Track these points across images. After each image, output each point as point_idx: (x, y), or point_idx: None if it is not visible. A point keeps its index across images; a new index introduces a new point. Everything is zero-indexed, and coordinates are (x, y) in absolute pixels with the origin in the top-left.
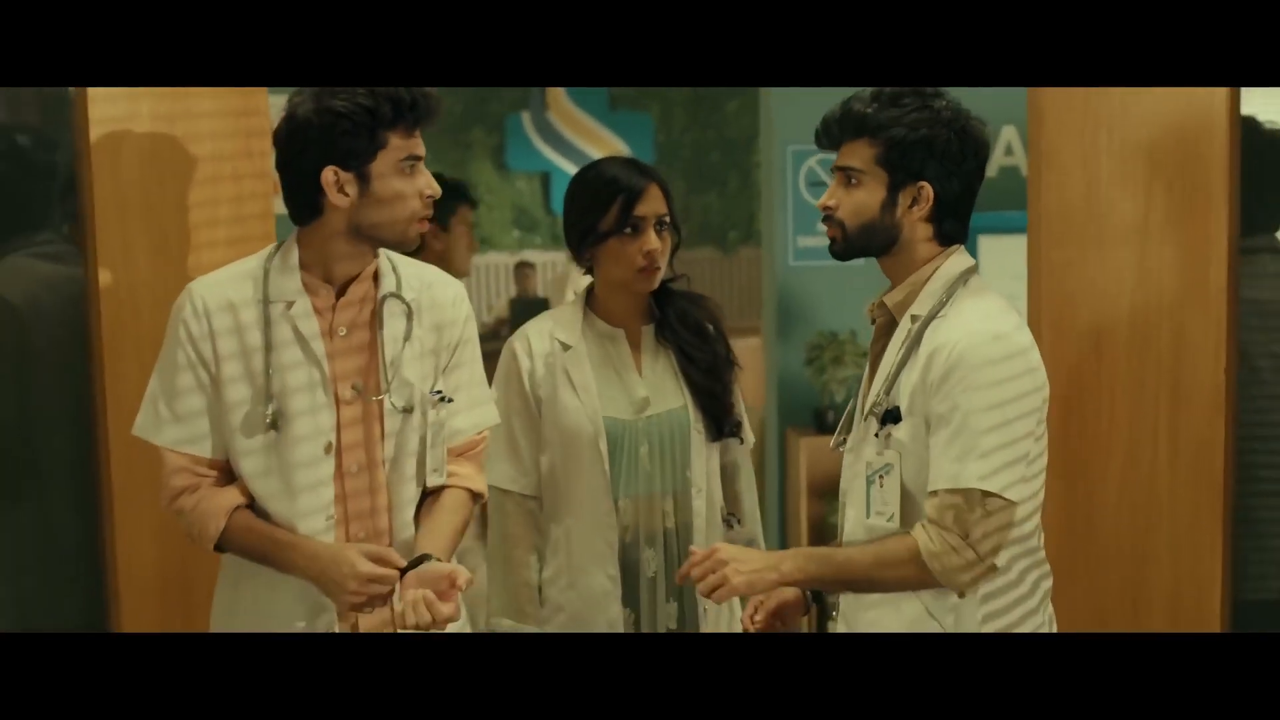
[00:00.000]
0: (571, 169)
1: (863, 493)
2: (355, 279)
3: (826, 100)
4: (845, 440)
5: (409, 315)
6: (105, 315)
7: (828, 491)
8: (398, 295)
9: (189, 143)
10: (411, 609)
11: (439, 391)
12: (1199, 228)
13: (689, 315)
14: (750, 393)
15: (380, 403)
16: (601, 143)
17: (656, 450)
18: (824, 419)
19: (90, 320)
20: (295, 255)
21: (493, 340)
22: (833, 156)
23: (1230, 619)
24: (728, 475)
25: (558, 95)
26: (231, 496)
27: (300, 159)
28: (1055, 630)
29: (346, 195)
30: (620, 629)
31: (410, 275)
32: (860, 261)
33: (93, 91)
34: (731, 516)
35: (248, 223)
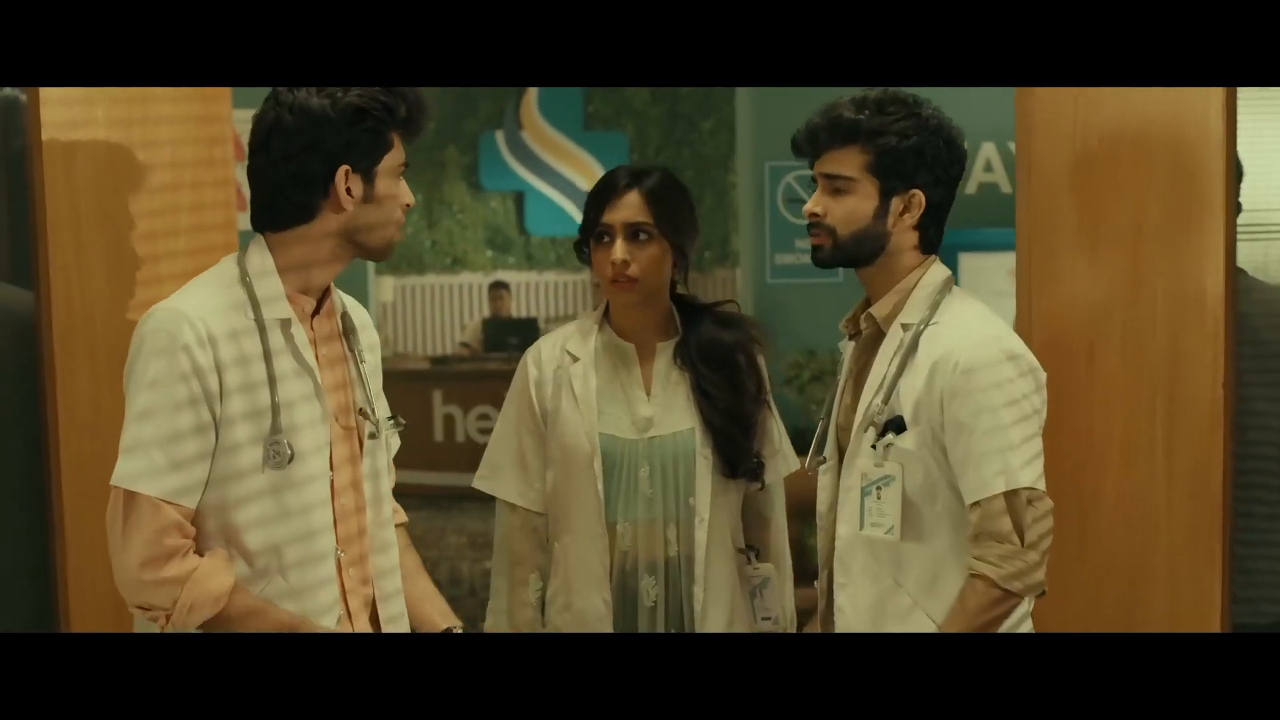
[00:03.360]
0: (545, 189)
1: (856, 506)
2: (325, 294)
3: (803, 114)
4: (823, 459)
5: (356, 334)
6: (57, 326)
7: (806, 512)
8: (345, 313)
9: (147, 149)
10: None
11: (393, 417)
12: (1194, 237)
13: (714, 342)
14: None
15: (360, 427)
16: (575, 162)
17: (658, 474)
18: (805, 438)
19: (41, 331)
20: (272, 263)
21: (463, 362)
22: (808, 170)
23: None
24: (750, 508)
25: (532, 114)
26: (228, 573)
27: (307, 155)
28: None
29: (351, 197)
30: None
31: (338, 293)
32: (840, 278)
33: (45, 94)
34: (750, 550)
35: (208, 233)
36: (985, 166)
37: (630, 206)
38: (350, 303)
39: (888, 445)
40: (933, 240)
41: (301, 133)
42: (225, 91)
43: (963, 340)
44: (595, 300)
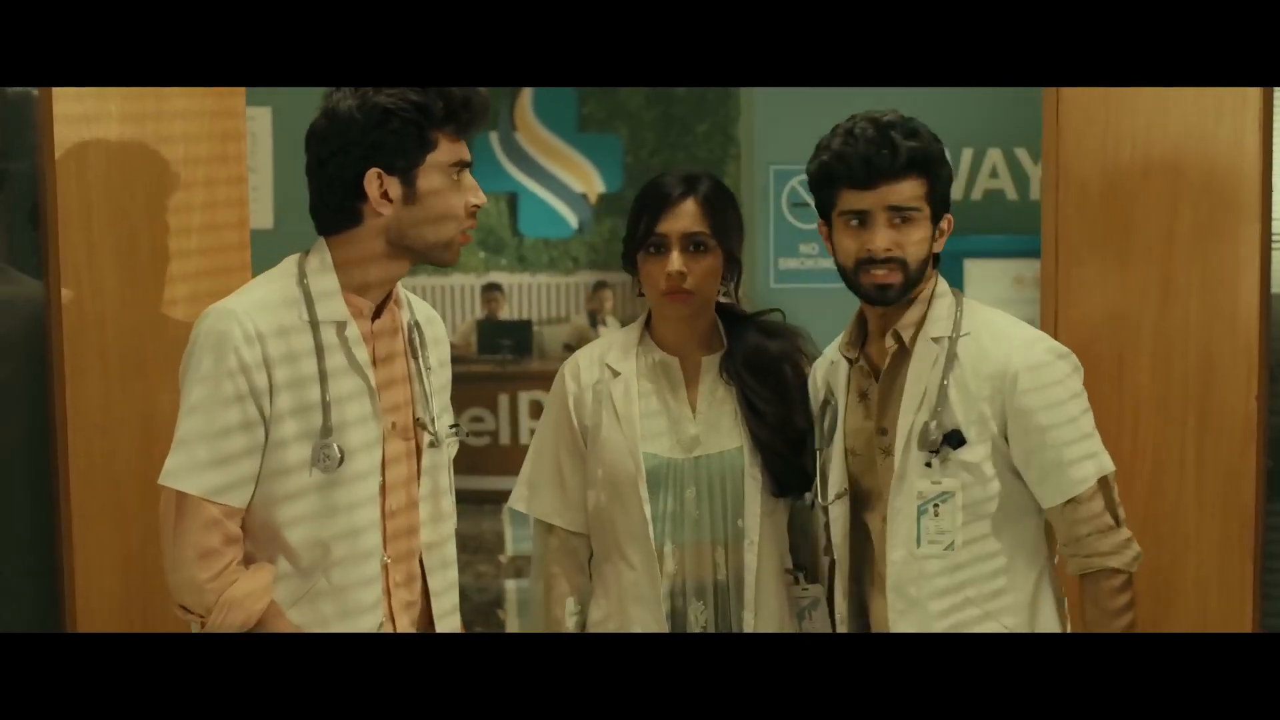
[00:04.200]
0: (539, 190)
1: (910, 527)
2: (388, 299)
3: (809, 120)
4: (843, 490)
5: (423, 342)
6: (68, 325)
7: None
8: (417, 323)
9: (160, 145)
10: None
11: (456, 425)
12: (1228, 246)
13: (763, 353)
14: None
15: (418, 438)
16: (570, 164)
17: (705, 495)
18: None
19: (51, 329)
20: (332, 271)
21: (457, 364)
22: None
23: None
24: (797, 525)
25: (526, 116)
26: (266, 593)
27: (339, 159)
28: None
29: (390, 201)
30: None
31: (412, 303)
32: (842, 282)
33: (58, 90)
34: (799, 571)
35: (221, 231)
36: (991, 173)
37: (687, 215)
38: (426, 315)
39: (945, 460)
40: (936, 259)
41: (332, 136)
42: (239, 88)
43: (1012, 347)
44: (636, 309)
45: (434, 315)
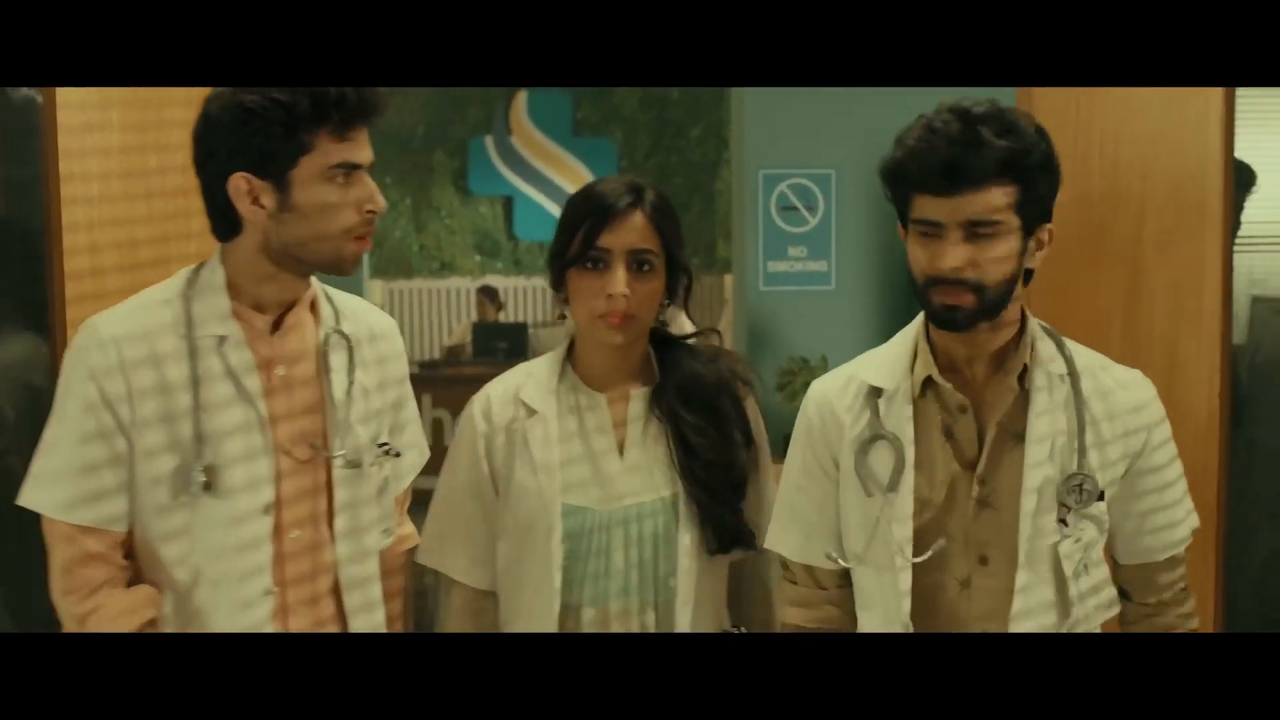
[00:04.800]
0: (534, 194)
1: (1045, 596)
2: (292, 307)
3: (797, 121)
4: (942, 542)
5: (350, 351)
6: (72, 330)
7: None
8: (339, 330)
9: (160, 153)
10: None
11: (386, 444)
12: (1192, 248)
13: (700, 384)
14: None
15: (323, 459)
16: (564, 168)
17: (634, 550)
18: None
19: (55, 335)
20: (221, 277)
21: (451, 365)
22: (801, 178)
23: None
24: (737, 581)
25: (521, 120)
26: (143, 606)
27: (208, 164)
28: None
29: (262, 207)
30: None
31: (345, 306)
32: (832, 286)
33: (61, 98)
34: (736, 630)
35: None
36: None
37: (634, 230)
38: (373, 330)
39: (1077, 515)
40: (1029, 280)
41: (201, 139)
42: None
43: (1140, 395)
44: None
45: (387, 330)
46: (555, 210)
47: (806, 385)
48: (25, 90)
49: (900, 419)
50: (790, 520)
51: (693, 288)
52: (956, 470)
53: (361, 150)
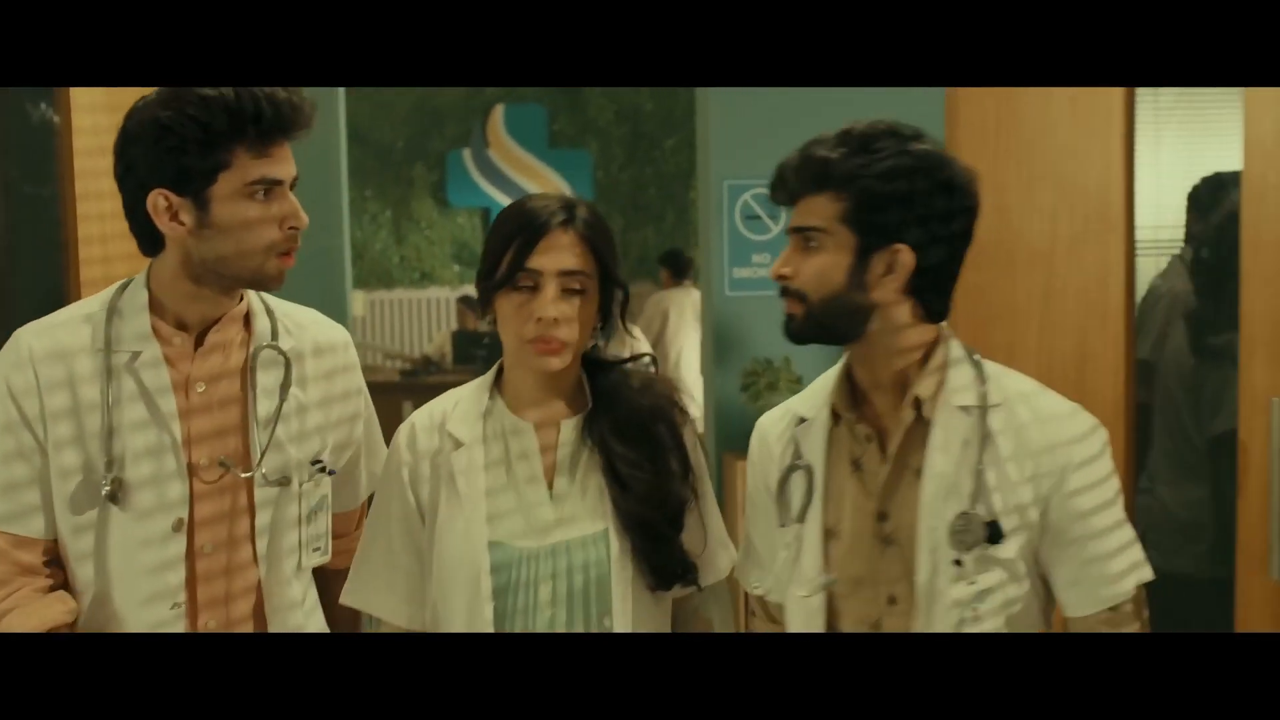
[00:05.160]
0: None
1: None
2: (215, 324)
3: (764, 135)
4: (832, 579)
5: (287, 366)
6: None
7: None
8: (273, 345)
9: None
10: None
11: (320, 462)
12: (1099, 251)
13: (633, 412)
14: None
15: (250, 476)
16: (541, 179)
17: (564, 590)
18: None
19: None
20: (144, 295)
21: (431, 373)
22: (764, 189)
23: None
24: (683, 615)
25: (498, 132)
26: (54, 612)
27: (128, 178)
28: None
29: (181, 224)
30: None
31: (287, 319)
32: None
33: (75, 102)
34: None
35: None
36: None
37: (567, 250)
38: (318, 344)
39: (979, 557)
40: (936, 310)
41: (119, 154)
42: None
43: (1062, 431)
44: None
45: (336, 343)
46: None
47: (770, 386)
48: (42, 111)
49: (815, 448)
50: (745, 553)
51: (621, 324)
52: (862, 503)
53: (282, 166)
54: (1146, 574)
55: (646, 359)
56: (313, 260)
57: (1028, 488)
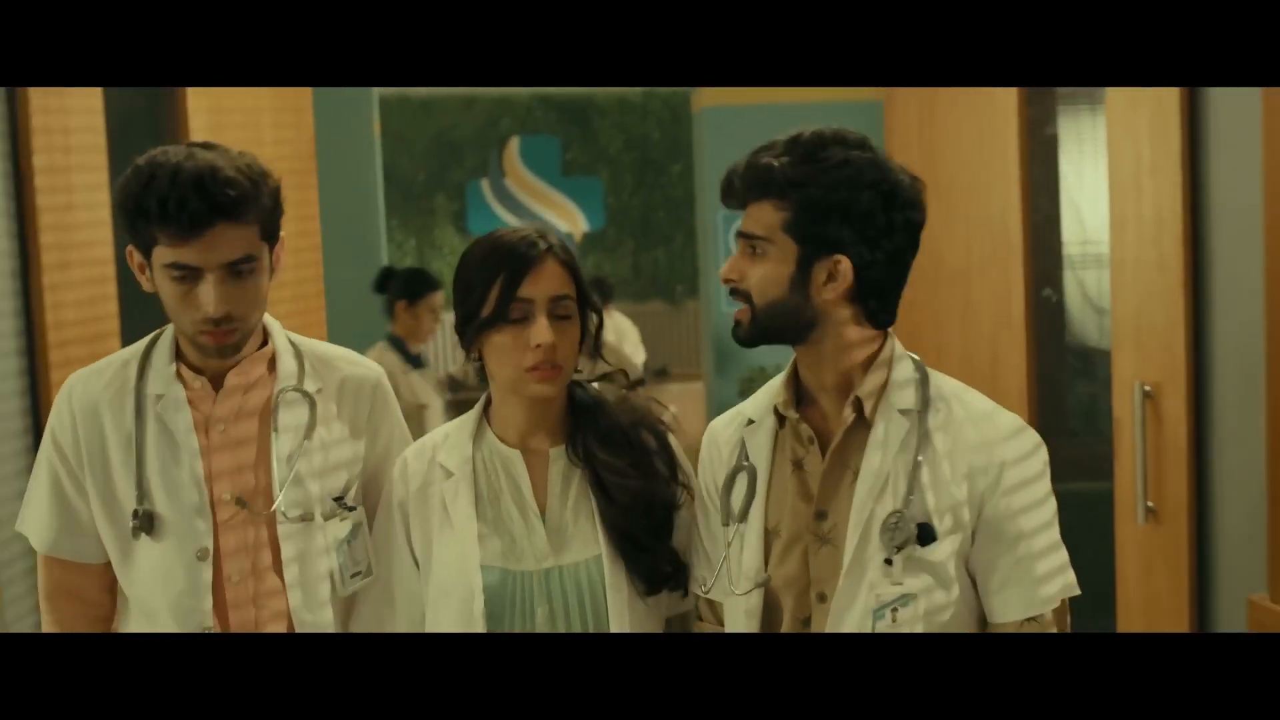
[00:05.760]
0: None
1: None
2: (232, 368)
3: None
4: (766, 578)
5: (312, 407)
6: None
7: None
8: (298, 388)
9: None
10: None
11: (341, 498)
12: (1003, 270)
13: (615, 422)
14: (694, 431)
15: (270, 512)
16: (556, 206)
17: (560, 613)
18: None
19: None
20: (169, 340)
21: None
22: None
23: None
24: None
25: (514, 162)
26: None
27: (119, 227)
28: None
29: (150, 281)
30: None
31: (317, 361)
32: None
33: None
34: None
35: (300, 284)
36: None
37: (553, 277)
38: (329, 361)
39: (908, 558)
40: (880, 316)
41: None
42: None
43: (996, 431)
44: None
45: (364, 379)
46: None
47: None
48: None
49: (759, 449)
50: (696, 556)
51: (599, 346)
52: (802, 503)
53: (196, 254)
54: (1072, 587)
55: (619, 376)
56: (357, 286)
57: (963, 485)
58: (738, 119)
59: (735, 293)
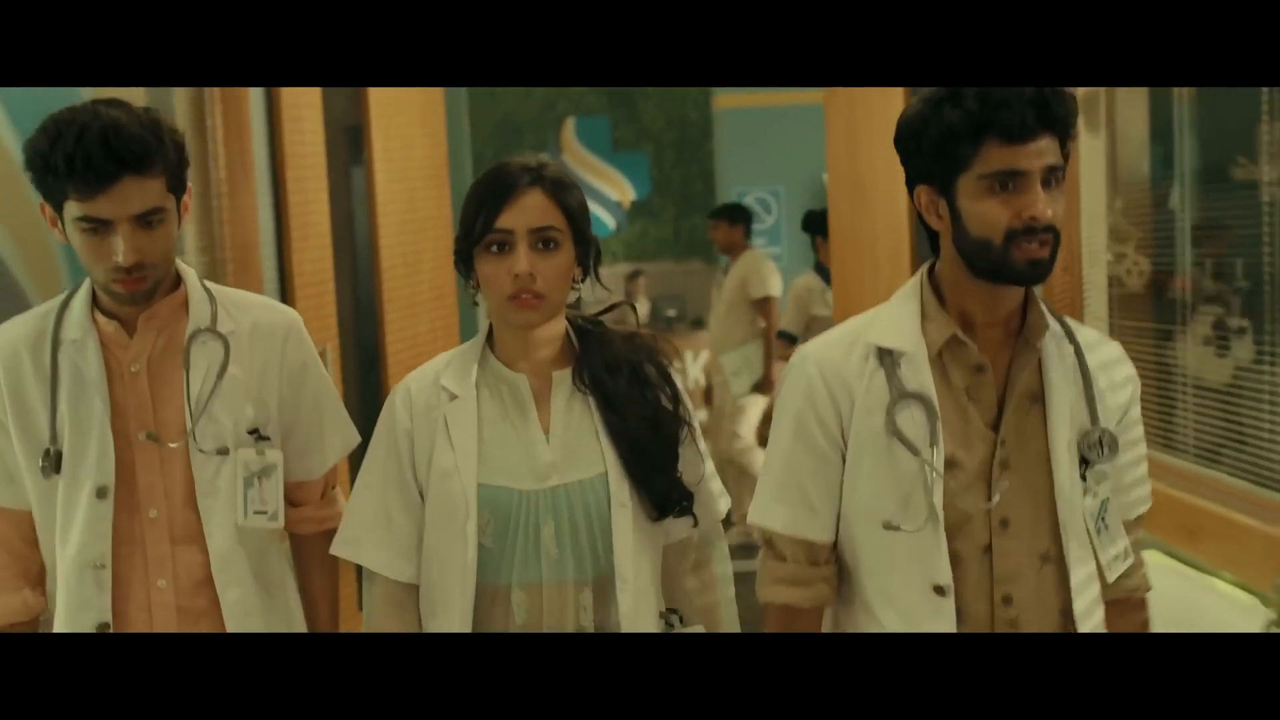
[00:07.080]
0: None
1: (1086, 555)
2: (144, 314)
3: (756, 148)
4: (993, 495)
5: (226, 348)
6: None
7: None
8: (211, 329)
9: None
10: None
11: (255, 430)
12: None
13: (620, 353)
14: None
15: (184, 446)
16: (608, 178)
17: (566, 530)
18: None
19: None
20: (87, 288)
21: None
22: (764, 192)
23: None
24: (675, 560)
25: (570, 140)
26: (9, 606)
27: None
28: None
29: (62, 233)
30: None
31: (231, 305)
32: (784, 261)
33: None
34: (671, 614)
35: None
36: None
37: (535, 208)
38: (243, 306)
39: (1096, 470)
40: None
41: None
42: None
43: (1112, 350)
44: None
45: (278, 324)
46: (603, 215)
47: None
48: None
49: (923, 380)
50: (781, 493)
51: (596, 275)
52: (979, 430)
53: (106, 207)
54: (1149, 494)
55: (626, 309)
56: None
57: (1114, 413)
58: (749, 120)
59: (1047, 229)
